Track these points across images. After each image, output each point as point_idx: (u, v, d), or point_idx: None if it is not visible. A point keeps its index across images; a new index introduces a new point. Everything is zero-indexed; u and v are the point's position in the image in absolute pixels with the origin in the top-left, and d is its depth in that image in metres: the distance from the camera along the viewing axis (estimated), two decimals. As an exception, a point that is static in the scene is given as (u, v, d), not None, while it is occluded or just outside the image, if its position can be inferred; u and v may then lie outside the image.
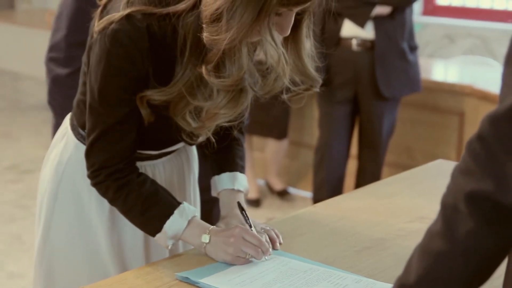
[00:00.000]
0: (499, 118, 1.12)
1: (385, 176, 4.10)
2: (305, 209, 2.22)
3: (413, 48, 4.14)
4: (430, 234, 1.18)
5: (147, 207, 1.83)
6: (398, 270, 1.28)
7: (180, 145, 2.04)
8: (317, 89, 1.94)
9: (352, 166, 4.41)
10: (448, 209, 1.15)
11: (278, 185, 4.99)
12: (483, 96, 3.94)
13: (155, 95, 1.74)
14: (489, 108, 4.01)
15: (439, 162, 2.67)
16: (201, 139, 1.93)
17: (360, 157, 4.35)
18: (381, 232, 1.92)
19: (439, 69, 5.14)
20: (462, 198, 1.11)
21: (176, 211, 1.81)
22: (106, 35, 1.67)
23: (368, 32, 4.06)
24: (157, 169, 2.02)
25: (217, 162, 2.05)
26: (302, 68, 1.86)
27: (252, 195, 4.83)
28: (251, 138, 4.86)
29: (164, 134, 1.92)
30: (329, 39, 4.12)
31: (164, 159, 2.04)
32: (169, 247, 1.87)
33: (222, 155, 2.05)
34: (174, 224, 1.81)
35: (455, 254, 1.13)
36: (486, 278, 1.15)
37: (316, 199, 4.23)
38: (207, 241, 1.79)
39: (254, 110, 4.27)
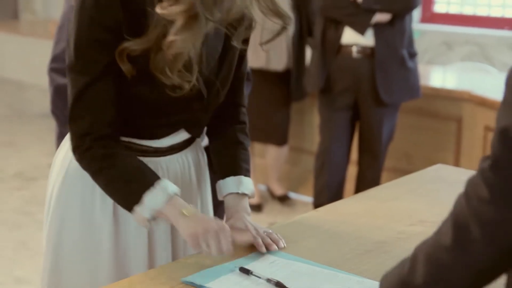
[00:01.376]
0: None
1: (385, 181, 4.12)
2: (307, 214, 2.22)
3: (413, 55, 4.15)
4: (439, 245, 1.21)
5: (130, 179, 1.81)
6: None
7: (183, 136, 1.99)
8: (290, 29, 1.88)
9: (352, 171, 4.42)
10: (460, 228, 1.17)
11: (279, 191, 4.99)
12: (481, 102, 3.96)
13: (134, 45, 1.73)
14: (486, 114, 4.01)
15: (437, 167, 2.67)
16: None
17: (360, 162, 4.36)
18: (382, 235, 1.92)
19: (438, 76, 5.17)
20: (476, 223, 1.14)
21: (157, 185, 1.79)
22: None
23: (368, 39, 4.08)
24: (164, 166, 1.97)
25: (222, 166, 2.03)
26: (272, 6, 1.81)
27: (254, 200, 4.80)
28: (252, 144, 4.78)
29: (151, 106, 1.86)
30: (330, 47, 4.16)
31: (171, 157, 1.98)
32: (148, 227, 1.84)
33: (226, 158, 2.04)
34: (155, 197, 1.78)
35: (463, 269, 1.16)
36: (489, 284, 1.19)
37: (317, 204, 4.22)
38: (187, 214, 1.77)
39: (254, 116, 4.30)
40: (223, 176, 2.00)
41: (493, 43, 5.51)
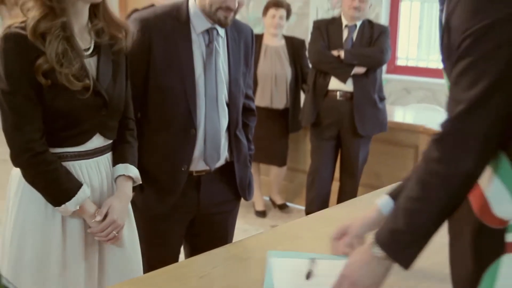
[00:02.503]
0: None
1: (360, 194, 4.06)
2: (300, 219, 2.22)
3: (382, 99, 4.14)
4: (409, 197, 1.23)
5: (59, 183, 1.78)
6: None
7: (101, 142, 1.90)
8: None
9: (335, 186, 4.38)
10: (423, 182, 1.21)
11: (279, 201, 4.95)
12: (433, 133, 3.90)
13: (43, 63, 1.69)
14: None
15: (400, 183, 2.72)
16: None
17: (341, 179, 4.33)
18: None
19: (400, 114, 4.99)
20: (433, 177, 1.19)
21: (79, 189, 1.80)
22: None
23: (348, 86, 4.08)
24: (86, 169, 1.88)
25: (114, 158, 1.97)
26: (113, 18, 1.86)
27: (260, 207, 4.81)
28: (258, 165, 4.80)
29: (69, 116, 1.79)
30: (319, 92, 4.17)
31: (90, 160, 1.88)
32: (68, 214, 1.80)
33: (117, 152, 1.98)
34: (77, 198, 1.79)
35: (429, 214, 1.21)
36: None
37: (308, 212, 4.21)
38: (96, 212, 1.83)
39: (261, 143, 4.39)
40: (115, 164, 1.96)
41: (441, 89, 5.48)
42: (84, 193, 1.82)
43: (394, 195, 1.56)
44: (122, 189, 1.93)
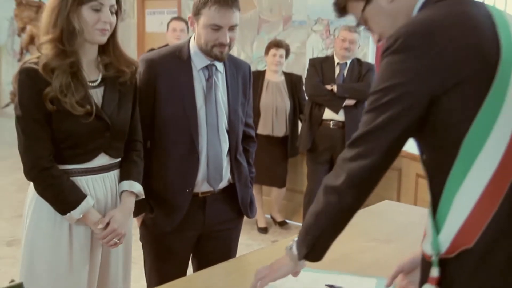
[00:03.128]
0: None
1: None
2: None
3: None
4: (314, 213, 1.34)
5: (65, 194, 1.83)
6: (361, 271, 1.30)
7: (106, 160, 1.94)
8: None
9: None
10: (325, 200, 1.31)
11: (279, 218, 4.92)
12: (413, 158, 3.80)
13: (50, 91, 1.78)
14: (417, 165, 3.96)
15: (385, 202, 2.69)
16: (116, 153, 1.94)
17: None
18: (347, 248, 1.88)
19: None
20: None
21: (84, 200, 1.85)
22: None
23: (340, 116, 4.12)
24: (92, 184, 1.92)
25: (121, 175, 2.00)
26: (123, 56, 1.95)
27: (262, 224, 4.79)
28: (261, 186, 4.78)
29: (76, 137, 1.85)
30: (315, 121, 4.20)
31: (97, 176, 1.93)
32: (74, 221, 1.85)
33: (124, 170, 2.01)
34: (81, 208, 1.84)
35: (326, 220, 1.32)
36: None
37: None
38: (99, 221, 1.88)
39: (263, 167, 4.37)
40: (120, 181, 2.00)
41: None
42: (87, 203, 1.87)
43: None
44: (125, 202, 1.97)
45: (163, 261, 2.22)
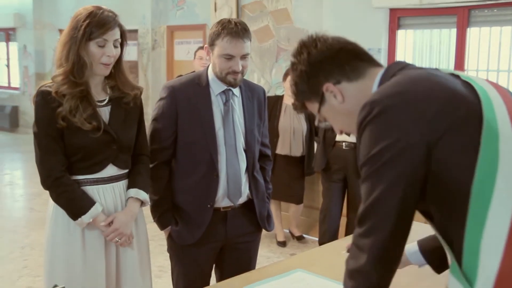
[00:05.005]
0: None
1: None
2: (315, 248, 2.21)
3: None
4: None
5: (77, 201, 1.92)
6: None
7: (114, 171, 2.02)
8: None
9: (343, 221, 4.33)
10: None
11: (297, 233, 4.88)
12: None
13: (62, 111, 1.89)
14: None
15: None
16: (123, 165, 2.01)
17: (348, 215, 4.27)
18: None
19: None
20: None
21: (93, 206, 1.93)
22: None
23: (352, 138, 4.01)
24: (102, 192, 2.00)
25: (129, 183, 2.07)
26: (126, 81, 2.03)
27: (281, 238, 4.75)
28: (280, 203, 4.75)
29: (85, 150, 1.94)
30: (328, 142, 4.18)
31: (107, 186, 2.01)
32: (83, 226, 1.94)
33: (131, 179, 2.08)
34: (90, 213, 1.93)
35: None
36: None
37: (321, 242, 4.17)
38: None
39: (282, 185, 4.37)
40: (128, 188, 2.06)
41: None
42: (96, 209, 1.95)
43: (421, 243, 1.50)
44: (129, 207, 2.04)
45: (188, 270, 2.24)
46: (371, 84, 1.23)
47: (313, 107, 1.31)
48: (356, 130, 1.17)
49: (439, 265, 1.45)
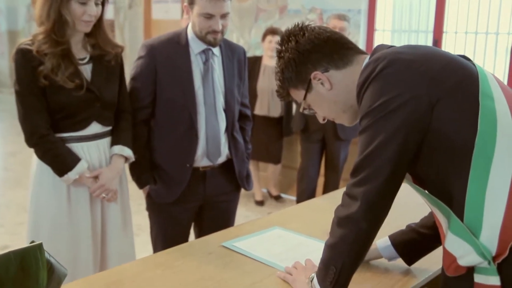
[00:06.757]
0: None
1: (341, 187, 4.07)
2: (292, 207, 2.21)
3: None
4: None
5: (63, 157, 1.92)
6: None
7: (98, 128, 2.02)
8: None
9: (321, 181, 4.38)
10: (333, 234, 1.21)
11: (275, 192, 4.93)
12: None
13: (44, 69, 1.87)
14: None
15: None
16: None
17: (326, 175, 4.32)
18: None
19: None
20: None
21: (78, 162, 1.94)
22: None
23: None
24: (87, 149, 2.01)
25: (112, 140, 2.08)
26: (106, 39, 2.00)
27: (259, 198, 4.81)
28: (258, 163, 4.78)
29: (69, 108, 1.92)
30: None
31: (91, 143, 2.01)
32: (70, 182, 1.94)
33: (115, 137, 2.09)
34: (77, 169, 1.93)
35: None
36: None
37: (299, 201, 4.21)
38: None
39: (261, 146, 4.37)
40: (112, 145, 2.08)
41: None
42: (82, 165, 1.96)
43: (393, 237, 1.52)
44: (114, 163, 2.06)
45: (167, 228, 2.25)
46: (359, 69, 1.25)
47: (298, 94, 1.33)
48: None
49: (410, 258, 1.50)
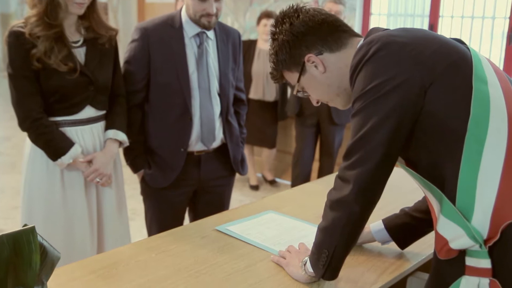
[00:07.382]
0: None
1: (336, 171, 3.93)
2: (287, 191, 2.21)
3: None
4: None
5: (56, 141, 1.91)
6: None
7: (92, 112, 2.01)
8: None
9: (315, 165, 4.39)
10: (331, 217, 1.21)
11: (269, 177, 4.93)
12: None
13: (37, 52, 1.86)
14: None
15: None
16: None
17: (321, 160, 4.31)
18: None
19: None
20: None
21: (72, 146, 1.93)
22: None
23: None
24: (81, 133, 2.01)
25: (107, 124, 2.08)
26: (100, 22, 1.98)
27: (253, 182, 4.81)
28: (252, 147, 4.79)
29: (63, 91, 1.91)
30: None
31: (85, 127, 2.01)
32: (63, 167, 1.94)
33: (109, 121, 2.08)
34: (70, 153, 1.92)
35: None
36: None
37: (293, 186, 4.20)
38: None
39: (255, 130, 4.36)
40: (106, 130, 2.07)
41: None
42: (76, 149, 1.95)
43: (386, 221, 1.53)
44: (108, 147, 2.05)
45: (161, 213, 2.25)
46: (352, 52, 1.25)
47: (292, 76, 1.33)
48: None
49: (403, 242, 1.52)
